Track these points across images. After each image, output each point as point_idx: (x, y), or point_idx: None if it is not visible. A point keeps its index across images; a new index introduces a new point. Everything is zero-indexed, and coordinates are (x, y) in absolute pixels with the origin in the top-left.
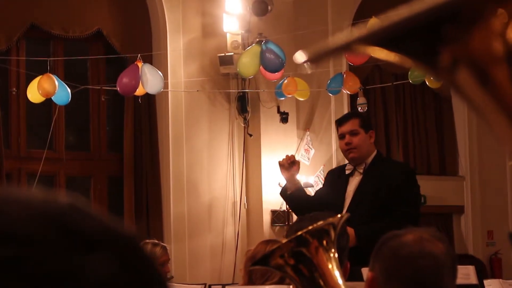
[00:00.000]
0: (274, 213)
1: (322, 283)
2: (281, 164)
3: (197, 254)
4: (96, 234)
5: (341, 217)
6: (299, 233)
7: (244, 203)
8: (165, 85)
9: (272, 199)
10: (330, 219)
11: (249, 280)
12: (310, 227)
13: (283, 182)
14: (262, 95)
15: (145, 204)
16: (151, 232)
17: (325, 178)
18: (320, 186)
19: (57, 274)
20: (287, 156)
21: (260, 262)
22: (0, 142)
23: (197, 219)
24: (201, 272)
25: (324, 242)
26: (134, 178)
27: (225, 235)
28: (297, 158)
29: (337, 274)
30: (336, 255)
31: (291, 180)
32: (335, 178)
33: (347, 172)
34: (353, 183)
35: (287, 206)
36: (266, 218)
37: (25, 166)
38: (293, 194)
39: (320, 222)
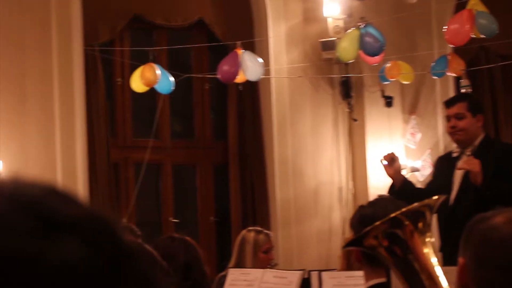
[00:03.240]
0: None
1: (416, 266)
2: (383, 163)
3: (304, 240)
4: (69, 219)
5: (437, 198)
6: (393, 214)
7: (350, 188)
8: (268, 72)
9: (379, 183)
10: (426, 201)
11: (347, 265)
12: (404, 209)
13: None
14: (365, 80)
15: (250, 191)
16: (257, 219)
17: (434, 166)
18: (427, 170)
19: (19, 256)
20: (386, 154)
21: (353, 242)
22: (106, 131)
23: (303, 204)
24: (308, 258)
25: (420, 225)
26: (239, 165)
27: (332, 220)
28: (403, 142)
29: (431, 253)
30: (433, 239)
31: (396, 176)
32: (444, 164)
33: (454, 155)
34: None
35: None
36: None
37: (132, 155)
38: (400, 189)
39: (415, 204)
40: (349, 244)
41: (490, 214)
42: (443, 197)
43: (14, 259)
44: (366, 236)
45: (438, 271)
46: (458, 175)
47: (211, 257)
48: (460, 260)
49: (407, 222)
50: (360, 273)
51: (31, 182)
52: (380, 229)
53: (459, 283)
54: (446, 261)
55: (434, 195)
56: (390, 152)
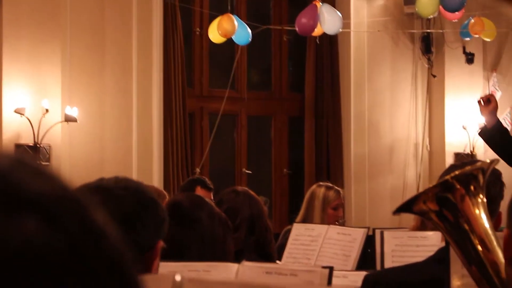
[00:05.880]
0: (457, 155)
1: (467, 228)
2: (479, 102)
3: (377, 196)
4: (34, 196)
5: (491, 162)
6: (446, 177)
7: (427, 145)
8: (347, 25)
9: (456, 141)
10: (479, 164)
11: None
12: (457, 172)
13: (468, 124)
14: (447, 36)
15: (325, 144)
16: (331, 173)
17: None
18: (507, 128)
19: None
20: (486, 94)
21: (403, 207)
22: (184, 81)
23: (377, 160)
24: (381, 215)
25: (472, 188)
26: (315, 118)
27: (406, 177)
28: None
29: (484, 218)
30: (485, 200)
31: (490, 117)
32: None
33: None
34: None
35: (472, 149)
36: (449, 160)
37: (207, 105)
38: (492, 130)
39: (468, 167)
40: (398, 209)
41: None
42: (497, 161)
43: None
44: (416, 201)
45: (491, 235)
46: None
47: (282, 209)
48: (505, 231)
49: (458, 186)
50: (424, 233)
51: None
52: (430, 193)
53: (505, 256)
54: None
55: None
56: (489, 93)
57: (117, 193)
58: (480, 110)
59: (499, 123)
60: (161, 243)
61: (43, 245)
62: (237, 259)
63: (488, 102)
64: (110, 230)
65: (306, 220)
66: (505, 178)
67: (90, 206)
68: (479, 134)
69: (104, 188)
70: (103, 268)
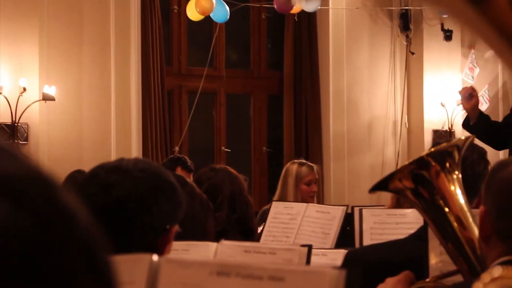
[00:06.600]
0: (435, 132)
1: (443, 204)
2: (462, 94)
3: (356, 174)
4: (2, 177)
5: (466, 139)
6: (421, 155)
7: (405, 122)
8: (326, 3)
9: (434, 118)
10: (454, 141)
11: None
12: (432, 149)
13: (446, 101)
14: (425, 13)
15: (304, 122)
16: (310, 151)
17: None
18: (484, 105)
19: None
20: (465, 88)
21: (378, 186)
22: (162, 59)
23: (356, 138)
24: (360, 192)
25: (447, 164)
26: (294, 96)
27: (385, 155)
28: (461, 77)
29: (459, 194)
30: (460, 176)
31: (473, 111)
32: None
33: None
34: None
35: (450, 126)
36: (428, 137)
37: (186, 83)
38: (475, 124)
39: (443, 144)
40: (374, 187)
41: (511, 161)
42: (472, 138)
43: None
44: (391, 179)
45: (467, 211)
46: None
47: (262, 187)
48: (481, 208)
49: (433, 163)
50: (402, 211)
51: None
52: (406, 171)
53: (481, 233)
54: None
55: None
56: (469, 86)
57: (135, 175)
58: (462, 104)
59: (481, 115)
60: (176, 227)
61: (12, 228)
62: (221, 238)
63: (470, 97)
64: (82, 213)
65: (282, 198)
66: (489, 157)
67: (61, 188)
68: (463, 126)
69: (123, 168)
70: (73, 251)
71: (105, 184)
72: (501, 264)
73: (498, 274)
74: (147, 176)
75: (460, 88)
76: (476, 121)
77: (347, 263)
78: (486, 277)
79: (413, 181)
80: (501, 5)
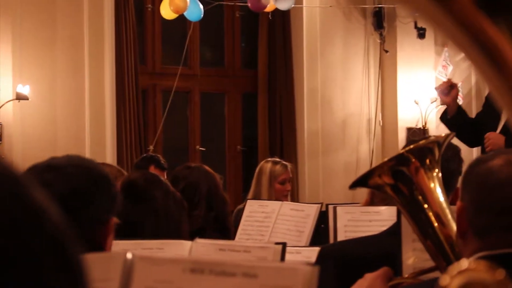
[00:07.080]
0: (409, 130)
1: (422, 200)
2: (440, 90)
3: (331, 172)
4: None
5: (447, 135)
6: (400, 151)
7: (379, 120)
8: (299, 1)
9: (408, 116)
10: (433, 137)
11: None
12: (412, 146)
13: (420, 99)
14: (398, 10)
15: (279, 120)
16: (284, 149)
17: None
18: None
19: None
20: (444, 82)
21: (358, 182)
22: (136, 58)
23: (331, 136)
24: (334, 190)
25: (427, 161)
26: (268, 95)
27: (359, 152)
28: (434, 75)
29: (439, 192)
30: (440, 174)
31: (452, 104)
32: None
33: None
34: None
35: (424, 124)
36: (402, 135)
37: (160, 82)
38: (453, 118)
39: (423, 141)
40: (354, 184)
41: (488, 156)
42: (453, 134)
43: None
44: (371, 175)
45: (446, 208)
46: None
47: (237, 186)
48: (458, 204)
49: (413, 159)
50: (376, 208)
51: None
52: (385, 167)
53: (458, 229)
54: None
55: (483, 125)
56: (448, 79)
57: (68, 171)
58: (441, 97)
59: (460, 109)
60: (114, 220)
61: None
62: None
63: (450, 89)
64: (51, 210)
65: (256, 196)
66: (463, 154)
67: (29, 185)
68: (441, 119)
69: (55, 166)
70: (43, 246)
71: (39, 184)
72: (477, 259)
73: (466, 266)
74: (79, 171)
75: (434, 86)
76: (454, 114)
77: (321, 258)
78: (453, 269)
79: (393, 177)
80: (464, 2)
